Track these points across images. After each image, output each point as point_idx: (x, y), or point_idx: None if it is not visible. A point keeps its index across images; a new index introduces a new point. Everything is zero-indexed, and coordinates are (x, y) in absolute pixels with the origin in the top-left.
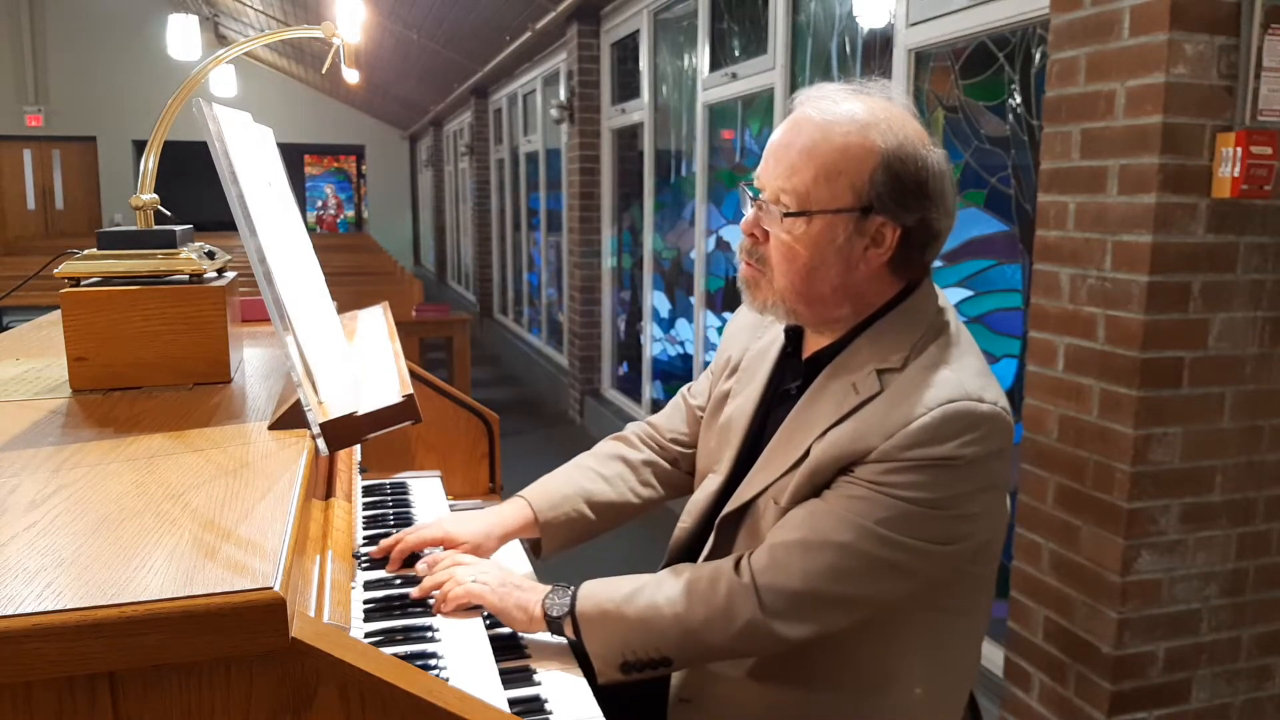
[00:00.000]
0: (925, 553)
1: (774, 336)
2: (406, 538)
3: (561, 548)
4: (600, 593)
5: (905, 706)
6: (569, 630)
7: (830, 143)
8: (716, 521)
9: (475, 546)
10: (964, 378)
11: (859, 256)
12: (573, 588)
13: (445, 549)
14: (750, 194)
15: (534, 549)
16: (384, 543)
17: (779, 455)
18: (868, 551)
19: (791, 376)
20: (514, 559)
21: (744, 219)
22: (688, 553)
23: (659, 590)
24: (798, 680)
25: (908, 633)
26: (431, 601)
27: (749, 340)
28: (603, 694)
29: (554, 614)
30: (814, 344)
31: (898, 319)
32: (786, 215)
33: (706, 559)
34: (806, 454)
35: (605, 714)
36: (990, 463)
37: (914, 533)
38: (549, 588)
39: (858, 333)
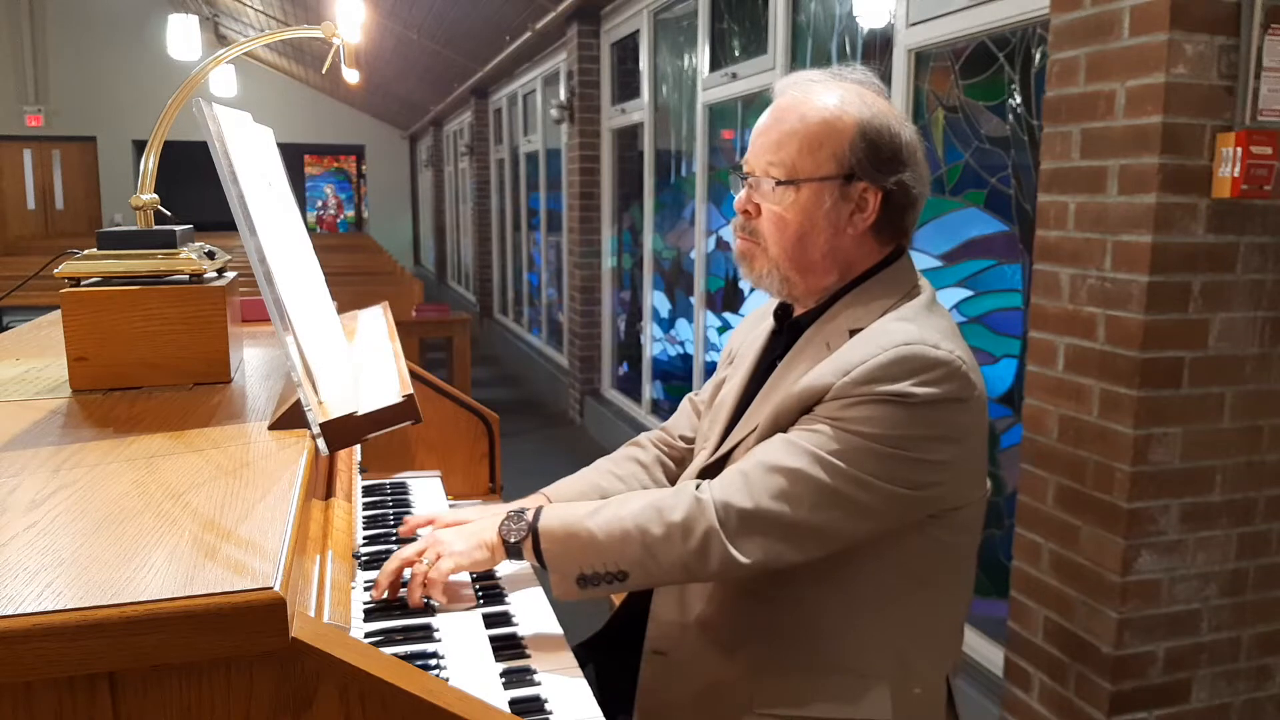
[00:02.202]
0: (878, 490)
1: (767, 325)
2: (437, 521)
3: None
4: (564, 510)
5: (877, 679)
6: (528, 551)
7: (811, 118)
8: (699, 472)
9: None
10: (925, 330)
11: (845, 221)
12: (531, 511)
13: None
14: (741, 177)
15: None
16: (413, 520)
17: (757, 412)
18: (817, 478)
19: (778, 349)
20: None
21: (737, 197)
22: None
23: (623, 506)
24: (767, 641)
25: (877, 601)
26: (435, 605)
27: (746, 333)
28: (579, 646)
29: (512, 539)
30: (798, 312)
31: (875, 285)
32: (777, 185)
33: None
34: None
35: (582, 664)
36: (948, 410)
37: (865, 467)
38: (502, 515)
39: (839, 297)
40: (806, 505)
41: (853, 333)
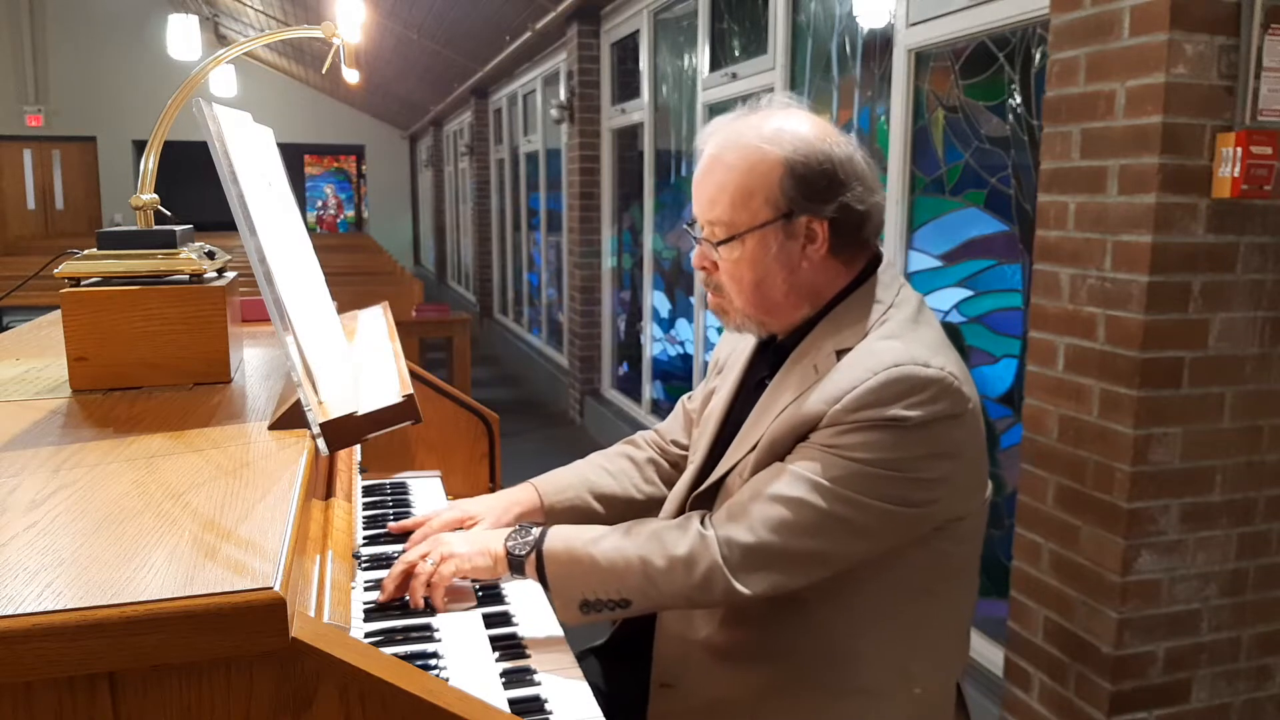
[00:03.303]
0: (878, 511)
1: (753, 338)
2: (431, 521)
3: None
4: (568, 534)
5: (885, 693)
6: (530, 569)
7: (735, 169)
8: (690, 498)
9: (491, 521)
10: (913, 347)
11: (799, 257)
12: (538, 529)
13: (464, 529)
14: (693, 234)
15: None
16: (405, 522)
17: (748, 436)
18: (818, 505)
19: (765, 367)
20: None
21: (694, 255)
22: None
23: (627, 536)
24: (773, 662)
25: (881, 615)
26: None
27: (735, 341)
28: (580, 653)
29: (517, 553)
30: (781, 336)
31: (854, 303)
32: (719, 244)
33: None
34: (768, 429)
35: (585, 675)
36: (943, 427)
37: (865, 490)
38: (510, 529)
39: (820, 317)
40: (808, 534)
41: (839, 353)
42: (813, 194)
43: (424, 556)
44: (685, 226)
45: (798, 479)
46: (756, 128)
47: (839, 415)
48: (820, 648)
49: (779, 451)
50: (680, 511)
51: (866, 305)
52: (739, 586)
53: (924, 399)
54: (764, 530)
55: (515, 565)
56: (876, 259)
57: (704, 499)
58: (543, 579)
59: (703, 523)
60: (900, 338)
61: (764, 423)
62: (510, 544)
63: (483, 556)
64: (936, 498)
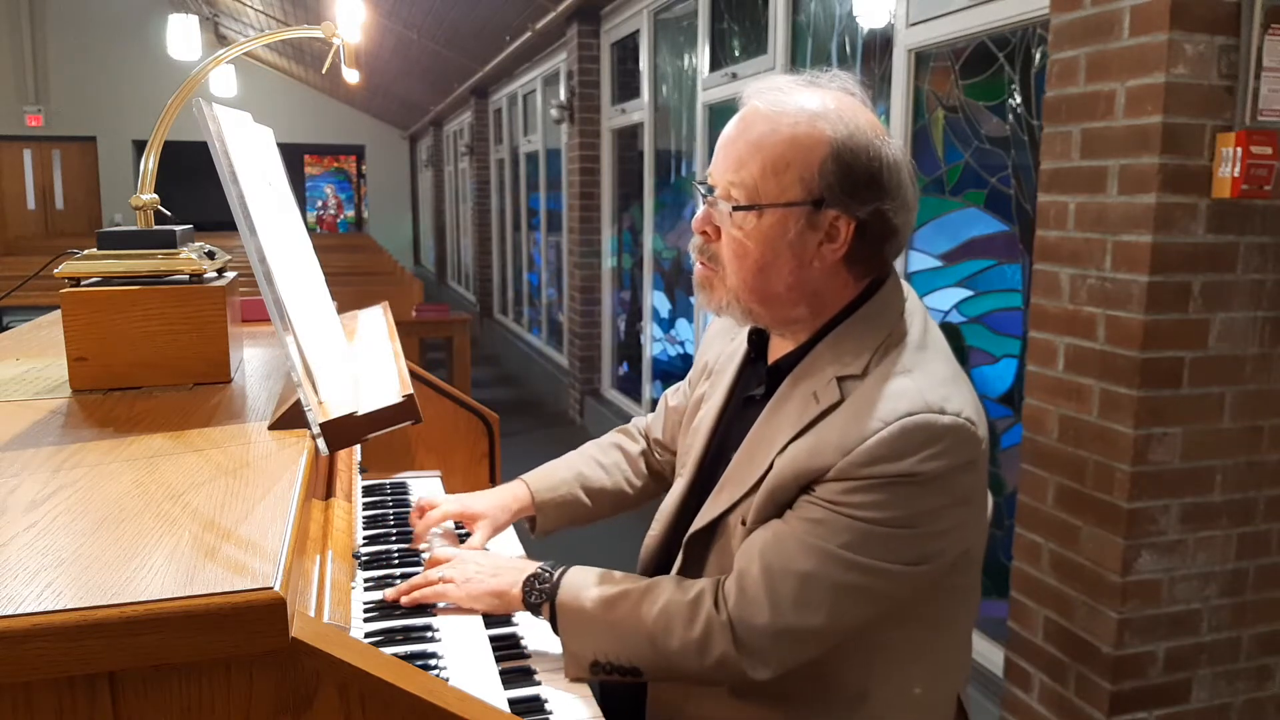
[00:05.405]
0: (891, 575)
1: (742, 340)
2: (430, 514)
3: (557, 527)
4: (582, 589)
5: (890, 713)
6: (546, 614)
7: (778, 134)
8: (685, 540)
9: (489, 518)
10: (926, 387)
11: (813, 252)
12: (558, 573)
13: (463, 523)
14: (703, 191)
15: (531, 526)
16: (433, 516)
17: (743, 471)
18: (831, 577)
19: (755, 383)
20: (507, 542)
21: (696, 216)
22: (657, 562)
23: (640, 605)
24: (776, 699)
25: (886, 649)
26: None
27: (723, 344)
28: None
29: (533, 600)
30: (777, 349)
31: (859, 323)
32: (736, 209)
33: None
34: (770, 469)
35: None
36: (957, 476)
37: (878, 554)
38: (534, 569)
39: (820, 338)
40: (825, 610)
41: (840, 380)
42: (851, 189)
43: (441, 579)
44: (696, 184)
45: (808, 548)
46: (812, 100)
47: (850, 469)
48: (826, 687)
49: (781, 500)
50: (672, 538)
51: (870, 326)
52: (753, 674)
53: (940, 450)
54: (780, 612)
55: (532, 610)
56: (884, 277)
57: (701, 540)
58: (555, 628)
59: (715, 605)
60: (911, 373)
61: (761, 457)
62: (526, 592)
63: (492, 598)
64: (946, 547)
